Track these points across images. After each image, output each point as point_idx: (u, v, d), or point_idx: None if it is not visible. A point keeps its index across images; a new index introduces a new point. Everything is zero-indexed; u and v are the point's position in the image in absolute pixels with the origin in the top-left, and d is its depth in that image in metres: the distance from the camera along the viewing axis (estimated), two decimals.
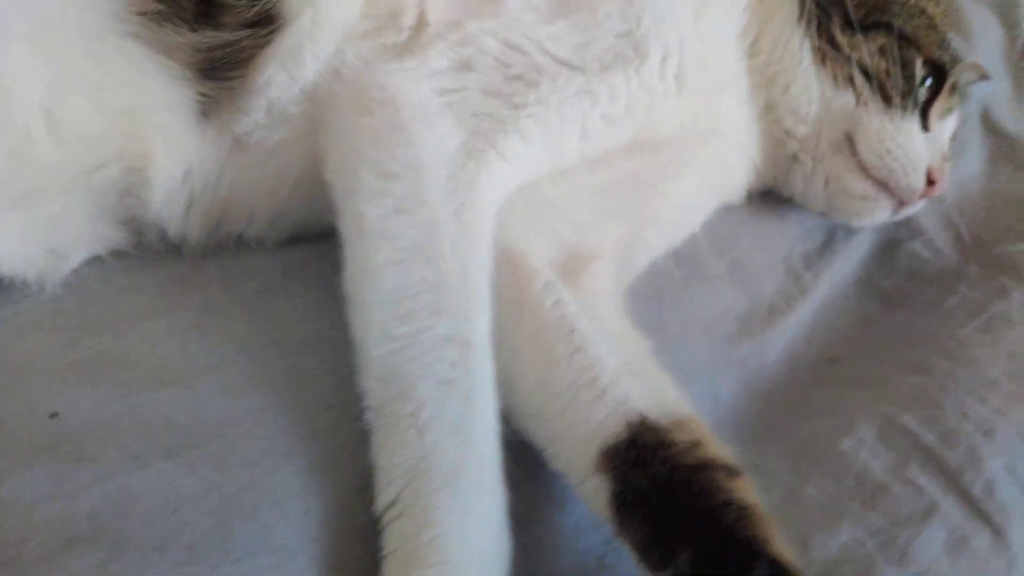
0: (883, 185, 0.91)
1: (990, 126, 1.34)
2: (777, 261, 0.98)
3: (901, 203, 0.93)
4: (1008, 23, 1.55)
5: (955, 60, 0.99)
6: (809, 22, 0.93)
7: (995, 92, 1.38)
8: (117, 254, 0.76)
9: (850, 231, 1.05)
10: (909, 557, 0.71)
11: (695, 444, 0.64)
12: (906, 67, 0.90)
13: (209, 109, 0.73)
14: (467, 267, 0.66)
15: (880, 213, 0.95)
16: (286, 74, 0.74)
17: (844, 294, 1.02)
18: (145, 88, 0.71)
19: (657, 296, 0.86)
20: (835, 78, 0.91)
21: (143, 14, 0.69)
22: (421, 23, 0.77)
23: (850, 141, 0.91)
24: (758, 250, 0.97)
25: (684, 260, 0.90)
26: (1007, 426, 0.83)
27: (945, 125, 0.97)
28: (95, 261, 0.75)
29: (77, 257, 0.74)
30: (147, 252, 0.78)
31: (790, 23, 0.93)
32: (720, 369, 0.86)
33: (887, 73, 0.89)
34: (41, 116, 0.68)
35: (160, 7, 0.69)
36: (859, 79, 0.90)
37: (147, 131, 0.72)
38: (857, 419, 0.83)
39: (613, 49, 0.78)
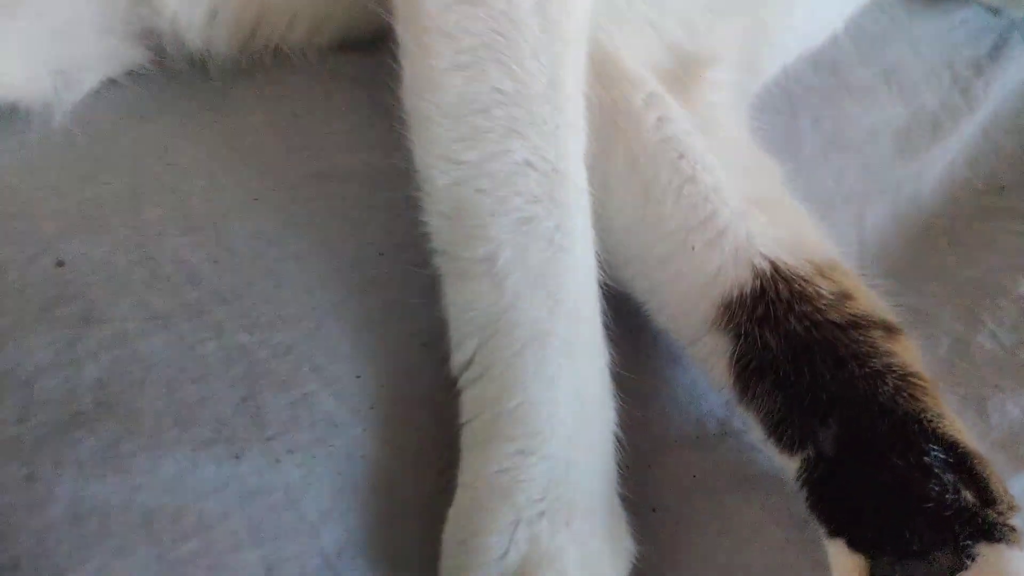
0: None
1: None
2: (940, 67, 0.79)
3: None
4: None
5: None
6: None
7: None
8: (135, 77, 0.64)
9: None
10: None
11: (843, 296, 0.50)
12: None
13: None
14: (554, 74, 0.51)
15: None
16: None
17: (1018, 109, 0.82)
18: None
19: (791, 110, 0.70)
20: None
21: None
22: None
23: None
24: (916, 54, 0.78)
25: (824, 66, 0.73)
26: None
27: None
28: (111, 86, 0.63)
29: (89, 80, 0.62)
30: (170, 74, 0.65)
31: None
32: (868, 196, 0.71)
33: None
34: None
35: None
36: None
37: None
38: None
39: None
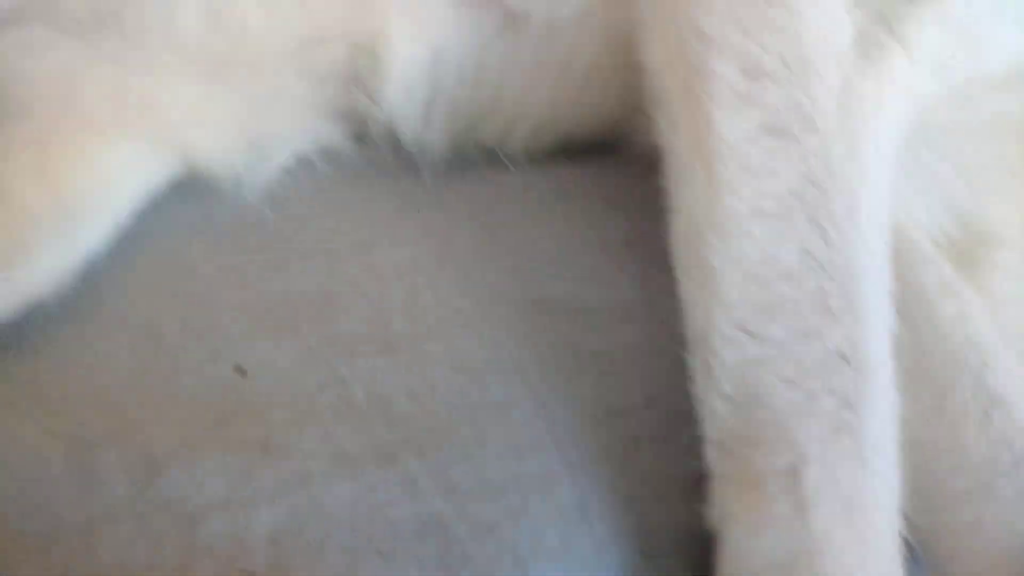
0: None
1: None
2: None
3: None
4: None
5: None
6: None
7: None
8: (331, 156, 0.58)
9: None
10: None
11: None
12: None
13: None
14: (870, 240, 0.43)
15: None
16: None
17: None
18: None
19: None
20: None
21: None
22: None
23: None
24: None
25: None
26: None
27: None
28: (306, 164, 0.58)
29: (282, 153, 0.57)
30: (371, 160, 0.59)
31: None
32: None
33: None
34: None
35: None
36: None
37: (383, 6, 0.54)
38: None
39: None
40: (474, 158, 0.60)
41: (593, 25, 0.55)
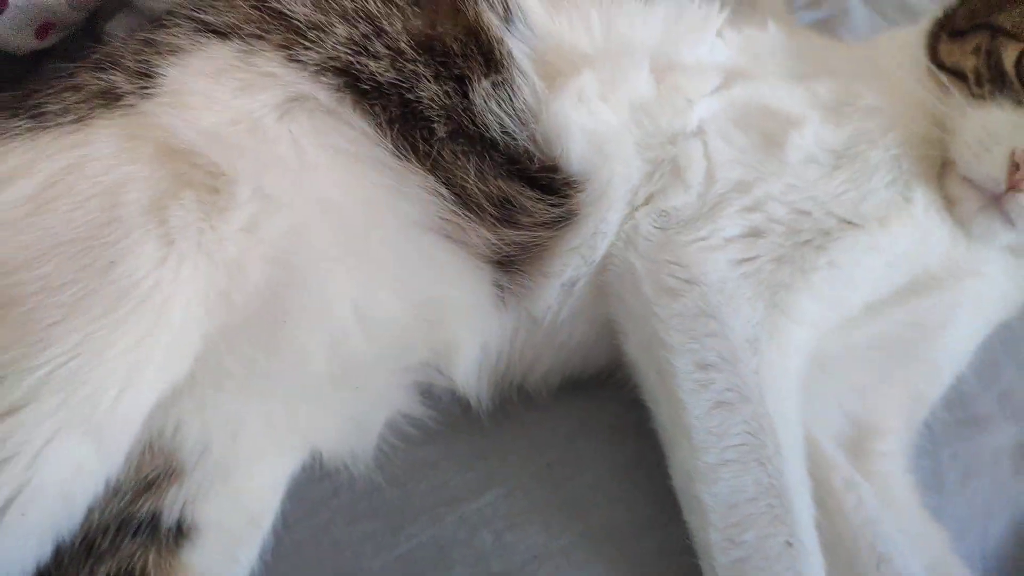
0: (967, 180, 0.77)
1: None
2: None
3: (993, 199, 0.76)
4: None
5: None
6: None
7: None
8: (410, 418, 0.79)
9: None
10: None
11: None
12: (991, 57, 0.79)
13: (506, 296, 0.75)
14: (789, 462, 0.66)
15: (983, 219, 0.77)
16: (580, 258, 0.76)
17: None
18: (446, 281, 0.74)
19: (933, 448, 0.85)
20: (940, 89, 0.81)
21: (446, 220, 0.72)
22: (708, 178, 0.77)
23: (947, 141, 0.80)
24: (1022, 376, 0.94)
25: (953, 402, 0.88)
26: None
27: None
28: (394, 429, 0.78)
29: (378, 423, 0.77)
30: (436, 409, 0.80)
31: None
32: (994, 514, 0.85)
33: (974, 69, 0.80)
34: (354, 313, 0.72)
35: (463, 212, 0.71)
36: (952, 83, 0.80)
37: (450, 318, 0.75)
38: None
39: (887, 200, 0.77)
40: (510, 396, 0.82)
41: (582, 319, 0.78)
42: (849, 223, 0.76)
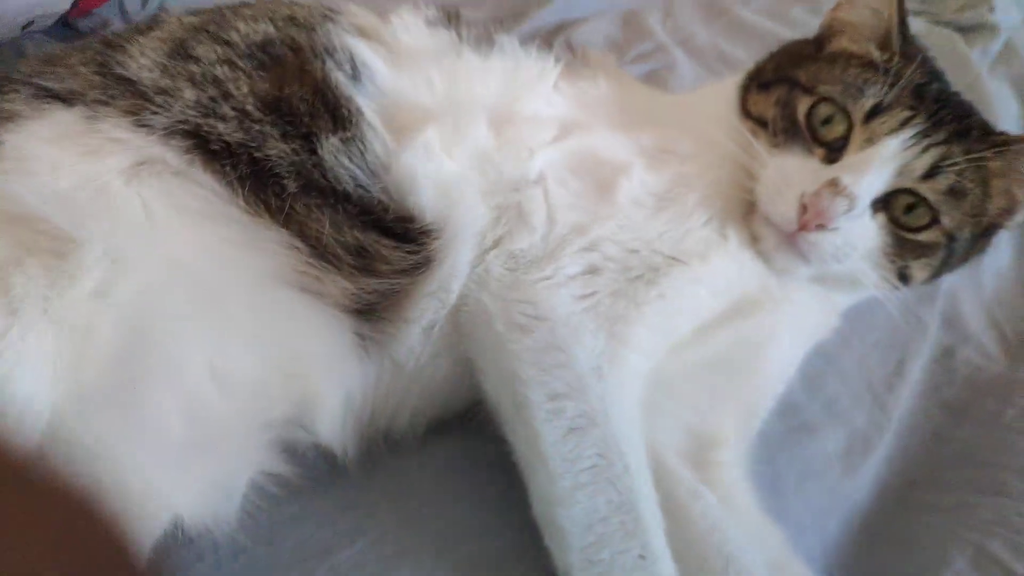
0: (766, 220, 0.87)
1: None
2: (863, 391, 1.05)
3: (787, 236, 0.85)
4: None
5: (859, 92, 0.88)
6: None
7: None
8: (275, 477, 0.78)
9: (915, 342, 1.12)
10: None
11: None
12: (787, 108, 0.89)
13: (367, 344, 0.77)
14: (637, 478, 0.72)
15: (781, 254, 0.87)
16: (438, 302, 0.79)
17: (914, 410, 1.09)
18: (307, 333, 0.75)
19: (769, 457, 0.92)
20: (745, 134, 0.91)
21: (302, 272, 0.73)
22: (549, 221, 0.83)
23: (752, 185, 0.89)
24: (845, 384, 1.04)
25: (784, 411, 0.96)
26: None
27: (871, 153, 0.84)
28: (257, 489, 0.77)
29: (240, 485, 0.76)
30: (300, 465, 0.80)
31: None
32: (829, 512, 0.92)
33: (773, 119, 0.90)
34: (209, 374, 0.71)
35: (320, 263, 0.73)
36: (757, 130, 0.91)
37: (311, 371, 0.76)
38: (950, 550, 0.89)
39: (705, 238, 0.86)
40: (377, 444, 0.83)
41: (442, 361, 0.82)
42: (674, 259, 0.83)
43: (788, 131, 0.88)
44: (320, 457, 0.81)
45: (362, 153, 0.76)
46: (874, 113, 0.86)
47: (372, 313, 0.76)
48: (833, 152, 0.86)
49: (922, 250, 0.88)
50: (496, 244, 0.82)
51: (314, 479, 0.80)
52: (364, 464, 0.82)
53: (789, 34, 1.61)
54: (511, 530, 0.77)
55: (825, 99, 0.88)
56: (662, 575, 0.69)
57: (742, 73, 1.02)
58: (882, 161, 0.83)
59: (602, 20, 1.61)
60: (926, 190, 0.85)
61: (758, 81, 0.97)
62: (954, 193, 0.86)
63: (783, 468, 0.92)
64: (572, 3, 1.60)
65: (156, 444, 0.70)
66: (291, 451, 0.80)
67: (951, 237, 0.88)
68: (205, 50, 0.77)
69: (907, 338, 1.12)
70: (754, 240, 0.88)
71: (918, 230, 0.87)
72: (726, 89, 1.00)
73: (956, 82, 1.46)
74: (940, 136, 0.86)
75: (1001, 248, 1.30)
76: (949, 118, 0.88)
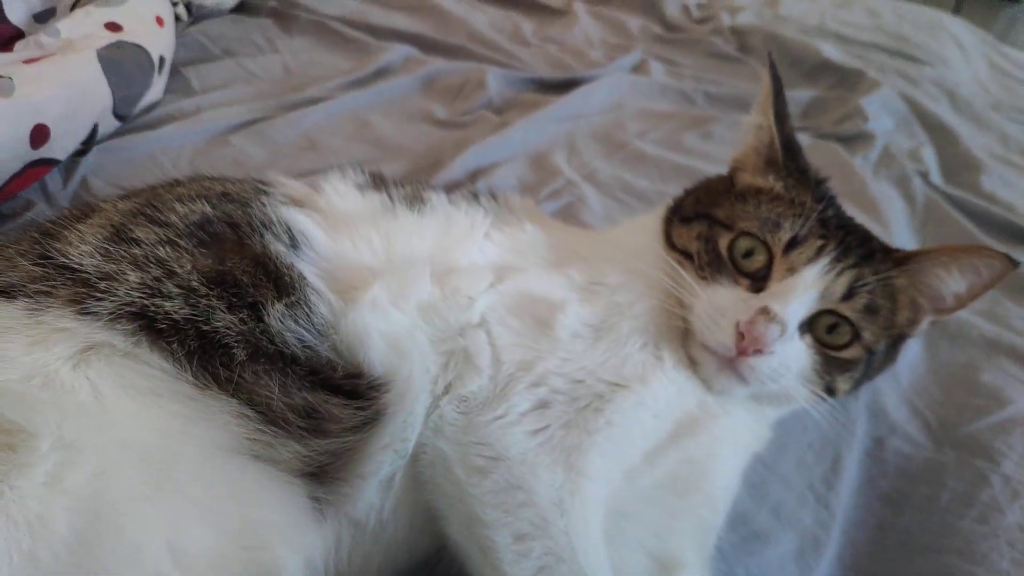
0: (705, 347, 0.93)
1: None
2: (806, 491, 1.09)
3: (728, 361, 0.92)
4: (907, 196, 1.79)
5: (776, 226, 0.96)
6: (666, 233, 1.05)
7: None
8: None
9: (846, 438, 1.17)
10: None
11: None
12: (709, 243, 0.97)
13: (324, 506, 0.77)
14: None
15: (721, 378, 0.93)
16: (394, 453, 0.81)
17: (856, 504, 1.13)
18: (263, 502, 0.74)
19: (728, 570, 0.95)
20: (673, 264, 0.98)
21: (253, 440, 0.74)
22: (495, 361, 0.86)
23: (687, 315, 0.95)
24: (788, 488, 1.08)
25: (735, 522, 0.99)
26: None
27: (794, 281, 0.92)
28: None
29: None
30: None
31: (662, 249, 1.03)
32: None
33: (697, 252, 0.98)
34: (169, 554, 0.69)
35: (270, 429, 0.74)
36: (684, 262, 0.98)
37: (270, 541, 0.74)
38: None
39: (643, 361, 0.91)
40: None
41: (404, 511, 0.82)
42: (616, 384, 0.88)
43: (713, 264, 0.96)
44: None
45: (308, 316, 0.79)
46: (792, 245, 0.95)
47: (326, 475, 0.77)
48: (757, 282, 0.95)
49: (846, 365, 0.97)
50: (448, 390, 0.85)
51: None
52: None
53: (684, 161, 1.77)
54: None
55: (744, 233, 0.97)
56: None
57: (662, 208, 1.11)
58: (805, 287, 0.92)
59: (514, 164, 1.71)
60: (846, 310, 0.95)
61: (679, 215, 1.05)
62: (870, 310, 0.96)
63: None
64: (484, 151, 1.70)
65: None
66: None
67: (870, 351, 0.98)
68: (145, 232, 0.80)
69: (838, 435, 1.18)
70: (693, 364, 0.94)
71: (841, 348, 0.96)
72: (649, 223, 1.09)
73: (846, 189, 1.61)
74: (851, 260, 0.96)
75: (911, 342, 1.39)
76: (855, 243, 0.99)
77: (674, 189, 1.14)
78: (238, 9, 2.31)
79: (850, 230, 1.01)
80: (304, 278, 0.81)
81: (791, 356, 0.92)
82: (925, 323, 1.05)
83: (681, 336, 0.95)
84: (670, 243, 1.03)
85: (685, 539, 0.89)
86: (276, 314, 0.77)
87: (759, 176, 1.07)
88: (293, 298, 0.79)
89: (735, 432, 0.99)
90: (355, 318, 0.81)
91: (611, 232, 1.25)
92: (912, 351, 1.39)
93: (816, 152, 1.84)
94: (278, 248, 0.82)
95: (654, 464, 0.91)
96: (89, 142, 1.47)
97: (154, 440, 0.71)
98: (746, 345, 0.89)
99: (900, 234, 1.66)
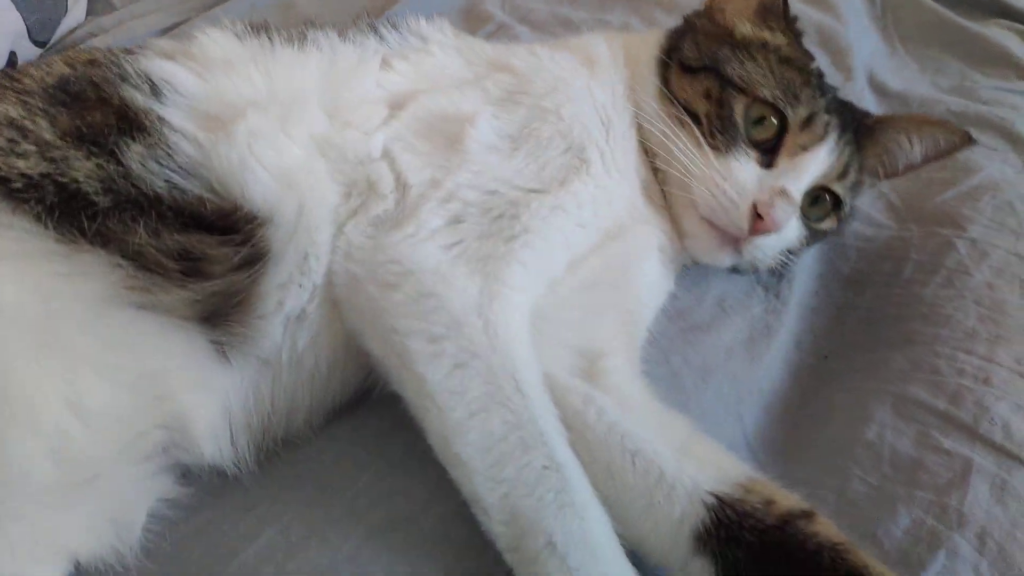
0: (709, 223, 0.93)
1: (879, 88, 1.45)
2: (753, 284, 1.06)
3: (734, 239, 0.93)
4: None
5: (795, 98, 0.95)
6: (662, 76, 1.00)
7: (874, 54, 1.50)
8: (171, 502, 0.77)
9: None
10: (966, 517, 0.77)
11: (768, 502, 0.71)
12: (723, 108, 0.93)
13: (227, 349, 0.76)
14: (531, 396, 0.72)
15: (720, 253, 0.95)
16: (298, 288, 0.79)
17: (815, 290, 1.10)
18: (157, 351, 0.73)
19: (664, 358, 0.93)
20: (676, 121, 0.95)
21: (132, 288, 0.72)
22: (400, 185, 0.84)
23: (687, 181, 0.93)
24: (732, 283, 1.05)
25: (675, 316, 0.97)
26: (999, 369, 0.92)
27: (807, 160, 0.93)
28: (157, 517, 0.76)
29: (140, 518, 0.74)
30: (196, 485, 0.79)
31: (653, 85, 1.00)
32: (743, 401, 0.93)
33: (707, 116, 0.94)
34: (68, 410, 0.69)
35: (147, 276, 0.72)
36: (688, 121, 0.94)
37: (173, 389, 0.74)
38: (871, 405, 0.90)
39: (564, 165, 0.88)
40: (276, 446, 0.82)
41: (324, 343, 0.81)
42: (533, 191, 0.85)
43: (728, 131, 0.93)
44: (215, 471, 0.79)
45: (170, 155, 0.76)
46: (808, 121, 0.94)
47: (222, 317, 0.75)
48: (765, 155, 0.93)
49: (822, 235, 1.03)
50: (353, 216, 0.82)
51: (212, 492, 0.79)
52: (262, 463, 0.81)
53: None
54: (420, 485, 0.76)
55: (760, 101, 0.94)
56: (569, 480, 0.68)
57: (654, 37, 1.05)
58: (816, 165, 0.94)
59: (444, 16, 1.63)
60: (839, 187, 0.97)
61: (680, 62, 0.99)
62: (853, 186, 0.99)
63: (681, 367, 0.93)
64: (418, 4, 1.63)
65: (30, 490, 0.68)
66: (185, 474, 0.79)
67: (841, 220, 1.03)
68: None
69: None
70: (682, 234, 0.96)
71: (821, 219, 1.00)
72: (635, 49, 1.05)
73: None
74: (847, 136, 0.96)
75: None
76: (846, 116, 0.99)
77: (616, 17, 1.07)
78: None
79: (842, 103, 1.02)
80: (163, 120, 0.78)
81: (790, 233, 0.95)
82: (866, 188, 1.08)
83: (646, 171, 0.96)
84: (670, 90, 0.98)
85: (609, 330, 0.87)
86: (135, 157, 0.75)
87: (758, 26, 1.02)
88: (152, 139, 0.76)
89: (664, 240, 0.96)
90: (227, 151, 0.78)
91: (566, 40, 1.16)
92: None
93: None
94: (134, 96, 0.79)
95: (579, 269, 0.89)
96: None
97: (32, 301, 0.70)
98: (763, 226, 0.89)
99: (857, 26, 1.56)
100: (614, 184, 0.92)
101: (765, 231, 0.89)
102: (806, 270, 1.11)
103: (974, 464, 0.82)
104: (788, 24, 1.03)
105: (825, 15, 1.51)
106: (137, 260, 0.72)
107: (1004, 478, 0.81)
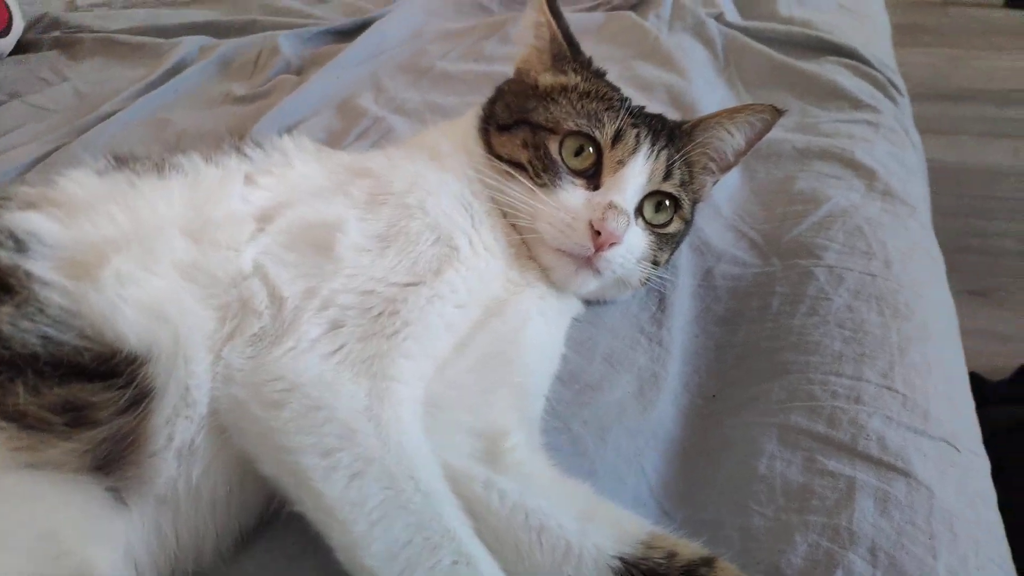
0: (559, 251, 1.00)
1: None
2: (636, 335, 1.11)
3: (585, 260, 0.99)
4: (705, 40, 1.80)
5: (599, 121, 1.03)
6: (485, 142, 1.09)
7: (722, 102, 1.61)
8: None
9: (673, 281, 1.20)
10: (856, 535, 0.81)
11: (671, 555, 0.74)
12: (539, 150, 1.03)
13: (124, 493, 0.75)
14: (431, 494, 0.73)
15: (580, 277, 1.01)
16: (185, 420, 0.79)
17: (694, 333, 1.16)
18: (52, 510, 0.72)
19: (566, 427, 0.96)
20: (505, 176, 1.03)
21: (18, 449, 0.71)
22: (275, 299, 0.85)
23: (531, 223, 1.01)
24: (616, 337, 1.10)
25: (568, 379, 1.01)
26: (867, 386, 0.98)
27: (626, 172, 1.01)
28: None
29: None
30: None
31: (479, 154, 1.08)
32: (642, 453, 0.96)
33: (530, 161, 1.03)
34: None
35: (31, 434, 0.71)
36: (513, 172, 1.03)
37: (72, 545, 0.72)
38: (759, 439, 0.95)
39: (435, 255, 0.92)
40: None
41: (217, 471, 0.80)
42: (410, 284, 0.88)
43: (549, 169, 1.02)
44: None
45: (41, 310, 0.76)
46: (617, 138, 1.03)
47: (115, 462, 0.74)
48: (591, 179, 1.03)
49: (671, 239, 1.10)
50: (230, 339, 0.83)
51: None
52: None
53: (489, 69, 1.76)
54: None
55: (572, 133, 1.04)
56: (480, 571, 0.70)
57: (471, 115, 1.14)
58: (636, 175, 1.02)
59: (319, 116, 1.68)
60: (669, 187, 1.06)
61: (496, 124, 1.09)
62: (683, 184, 1.08)
63: (579, 430, 0.96)
64: (283, 112, 1.66)
65: None
66: None
67: (686, 221, 1.12)
68: None
69: (660, 280, 1.19)
70: (545, 271, 1.02)
71: (666, 224, 1.08)
72: (460, 127, 1.14)
73: (640, 51, 1.62)
74: (662, 142, 1.06)
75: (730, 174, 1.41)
76: (657, 125, 1.08)
77: (485, 97, 1.14)
78: (19, 50, 2.20)
79: (644, 113, 1.10)
80: (30, 275, 0.78)
81: (634, 242, 1.02)
82: (711, 185, 1.18)
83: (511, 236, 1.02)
84: (494, 153, 1.06)
85: (502, 408, 0.89)
86: (5, 318, 0.74)
87: (555, 74, 1.12)
88: (20, 296, 0.76)
89: (544, 301, 1.01)
90: (95, 296, 0.78)
91: (412, 140, 1.24)
92: (730, 183, 1.41)
93: (611, 24, 1.85)
94: (0, 255, 0.79)
95: (466, 351, 0.92)
96: None
97: None
98: (603, 240, 0.96)
99: (702, 81, 1.67)
100: (484, 264, 0.97)
101: (609, 243, 0.97)
102: (683, 314, 1.17)
103: (857, 481, 0.87)
104: (580, 65, 1.13)
105: (671, 74, 1.62)
106: (20, 421, 0.71)
107: (886, 490, 0.86)
